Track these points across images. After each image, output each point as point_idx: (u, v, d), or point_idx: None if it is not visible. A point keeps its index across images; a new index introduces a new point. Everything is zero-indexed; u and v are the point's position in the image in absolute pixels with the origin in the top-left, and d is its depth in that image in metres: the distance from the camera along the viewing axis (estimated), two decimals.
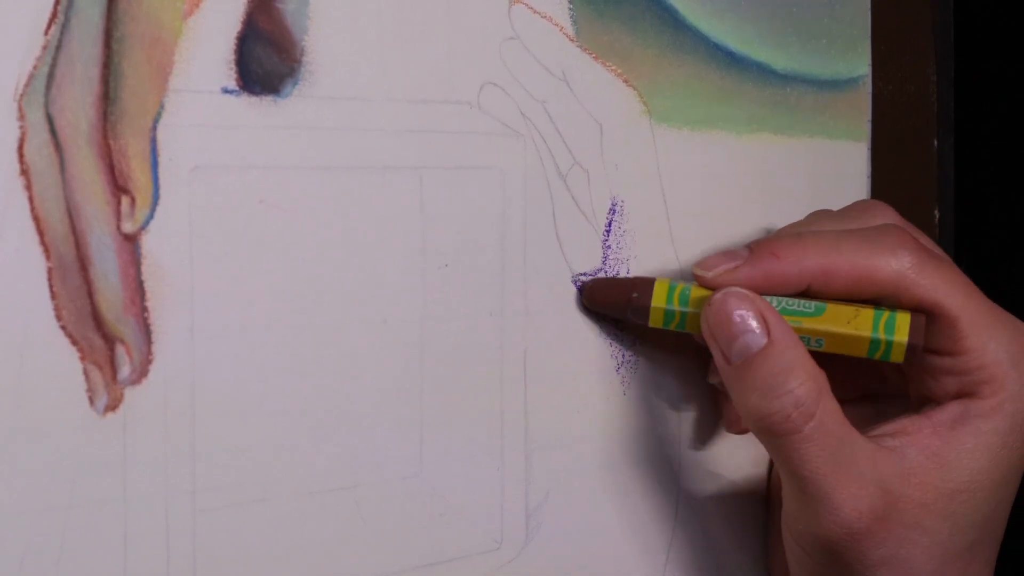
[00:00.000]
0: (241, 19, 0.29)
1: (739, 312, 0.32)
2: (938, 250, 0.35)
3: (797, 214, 0.38)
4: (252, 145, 0.29)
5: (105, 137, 0.27)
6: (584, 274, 0.35)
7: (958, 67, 0.46)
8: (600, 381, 0.36)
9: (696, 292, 0.34)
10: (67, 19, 0.27)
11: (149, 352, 0.28)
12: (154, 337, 0.28)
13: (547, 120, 0.34)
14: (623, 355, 0.36)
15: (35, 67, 0.26)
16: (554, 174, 0.35)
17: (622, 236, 0.36)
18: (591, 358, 0.36)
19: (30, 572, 0.27)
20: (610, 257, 0.36)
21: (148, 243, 0.28)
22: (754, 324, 0.32)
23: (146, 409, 0.28)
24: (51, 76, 0.26)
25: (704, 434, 0.38)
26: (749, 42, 0.39)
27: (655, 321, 0.34)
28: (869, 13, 0.41)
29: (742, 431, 0.37)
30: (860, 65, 0.41)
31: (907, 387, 0.35)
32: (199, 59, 0.28)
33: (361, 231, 0.31)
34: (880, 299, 0.33)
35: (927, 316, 0.33)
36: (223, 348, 0.29)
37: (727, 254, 0.34)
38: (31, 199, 0.26)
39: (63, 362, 0.27)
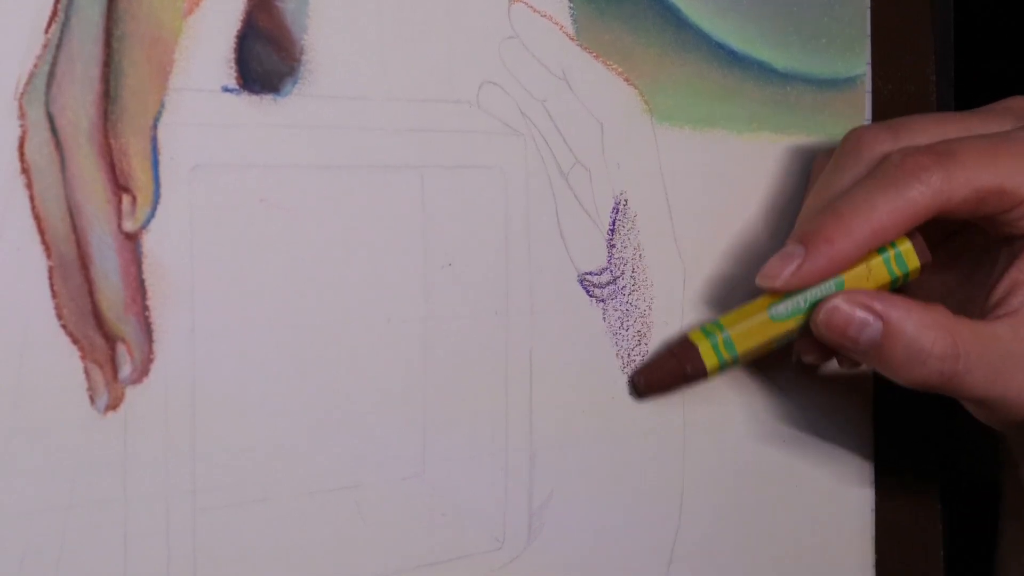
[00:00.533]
0: (241, 18, 0.29)
1: (846, 317, 0.34)
2: (937, 122, 0.36)
3: (797, 212, 0.38)
4: (252, 144, 0.29)
5: (106, 136, 0.27)
6: (590, 273, 0.35)
7: (958, 67, 0.46)
8: (605, 380, 0.36)
9: (735, 333, 0.35)
10: (67, 18, 0.27)
11: (150, 351, 0.28)
12: (155, 336, 0.28)
13: (547, 119, 0.34)
14: (628, 355, 0.36)
15: (35, 66, 0.26)
16: (556, 173, 0.35)
17: (626, 234, 0.36)
18: (596, 357, 0.36)
19: (30, 572, 0.26)
20: (614, 256, 0.36)
21: (149, 242, 0.28)
22: (864, 316, 0.34)
23: (147, 408, 0.28)
24: (51, 75, 0.26)
25: (709, 434, 0.38)
26: (751, 41, 0.39)
27: (712, 375, 0.36)
28: (868, 13, 0.41)
29: (819, 361, 0.38)
30: (858, 64, 0.41)
31: (987, 236, 0.37)
32: (199, 58, 0.28)
33: (362, 230, 0.31)
34: (930, 218, 0.34)
35: (973, 205, 0.34)
36: (224, 347, 0.29)
37: (783, 257, 0.35)
38: (32, 198, 0.26)
39: (64, 361, 0.27)
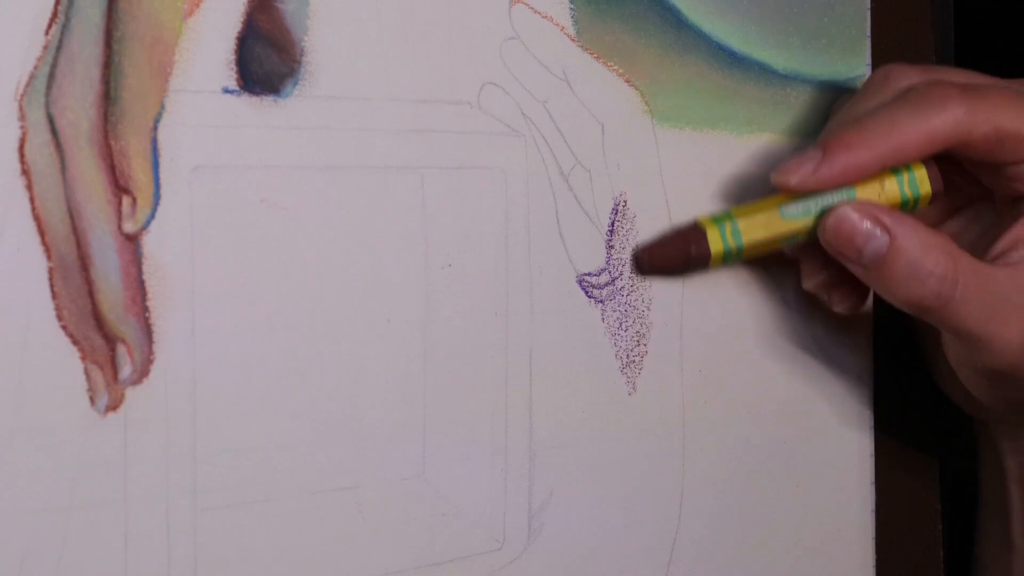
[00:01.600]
0: (241, 19, 0.29)
1: (854, 225, 0.34)
2: (966, 75, 0.37)
3: None
4: (253, 145, 0.29)
5: (106, 137, 0.27)
6: (589, 273, 0.35)
7: (958, 67, 0.46)
8: (605, 381, 0.36)
9: (744, 224, 0.35)
10: (68, 19, 0.27)
11: (150, 352, 0.28)
12: (155, 337, 0.28)
13: (548, 120, 0.34)
14: (628, 355, 0.36)
15: (36, 67, 0.26)
16: (556, 174, 0.35)
17: (625, 235, 0.36)
18: (596, 358, 0.36)
19: (31, 572, 0.26)
20: (613, 257, 0.36)
21: (149, 243, 0.28)
22: (872, 227, 0.34)
23: (147, 409, 0.28)
24: (52, 76, 0.26)
25: (709, 434, 0.38)
26: (751, 42, 0.39)
27: (715, 265, 0.36)
28: (868, 13, 0.41)
29: (818, 288, 0.38)
30: (858, 65, 0.41)
31: (991, 192, 0.38)
32: (199, 59, 0.28)
33: (363, 231, 0.31)
34: (947, 151, 0.35)
35: (992, 144, 0.35)
36: (224, 348, 0.29)
37: (801, 158, 0.35)
38: (32, 199, 0.26)
39: (64, 362, 0.27)
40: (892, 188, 0.35)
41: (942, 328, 0.35)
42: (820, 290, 0.38)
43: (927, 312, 0.35)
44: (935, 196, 0.36)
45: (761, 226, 0.35)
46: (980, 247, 0.36)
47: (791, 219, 0.35)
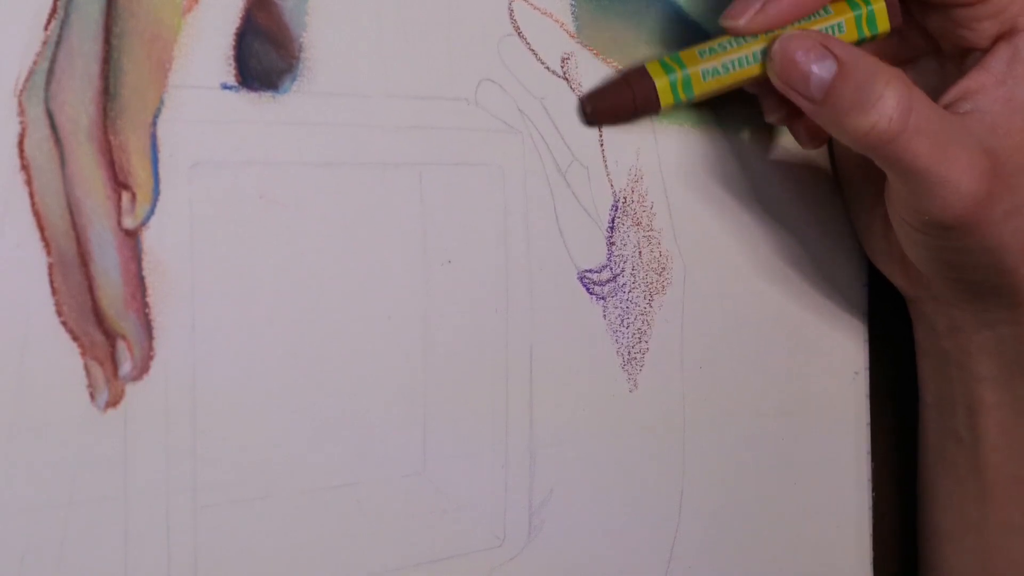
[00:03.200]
0: (240, 15, 0.29)
1: (799, 52, 0.33)
2: None
3: (797, 211, 0.38)
4: (251, 141, 0.29)
5: (105, 133, 0.27)
6: (590, 270, 0.35)
7: None
8: (606, 378, 0.36)
9: (685, 54, 0.34)
10: (67, 15, 0.27)
11: (150, 348, 0.28)
12: (155, 333, 0.28)
13: (545, 117, 0.34)
14: (629, 351, 0.36)
15: (35, 63, 0.26)
16: (554, 171, 0.35)
17: (625, 232, 0.36)
18: (597, 355, 0.36)
19: (31, 569, 0.26)
20: (614, 253, 0.36)
21: (149, 239, 0.28)
22: (819, 55, 0.33)
23: (147, 405, 0.28)
24: (51, 72, 0.26)
25: (709, 431, 0.38)
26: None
27: (665, 100, 0.34)
28: None
29: (782, 121, 0.37)
30: None
31: (937, 46, 0.37)
32: (198, 55, 0.28)
33: (362, 227, 0.31)
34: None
35: None
36: (224, 344, 0.29)
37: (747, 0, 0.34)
38: (31, 195, 0.26)
39: (64, 358, 0.27)
40: (850, 27, 0.34)
41: (891, 167, 0.34)
42: (784, 123, 0.37)
43: (880, 144, 0.33)
44: (892, 12, 0.35)
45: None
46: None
47: (737, 47, 0.34)
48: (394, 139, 0.32)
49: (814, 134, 0.37)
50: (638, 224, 0.36)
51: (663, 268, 0.37)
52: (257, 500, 0.30)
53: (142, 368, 0.28)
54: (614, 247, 0.36)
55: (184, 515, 0.28)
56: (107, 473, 0.27)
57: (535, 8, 0.34)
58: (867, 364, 0.42)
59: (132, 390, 0.28)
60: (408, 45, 0.32)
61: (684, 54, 0.34)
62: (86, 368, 0.27)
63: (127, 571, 0.28)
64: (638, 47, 0.36)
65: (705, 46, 0.34)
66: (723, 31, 0.34)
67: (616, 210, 0.36)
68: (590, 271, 0.35)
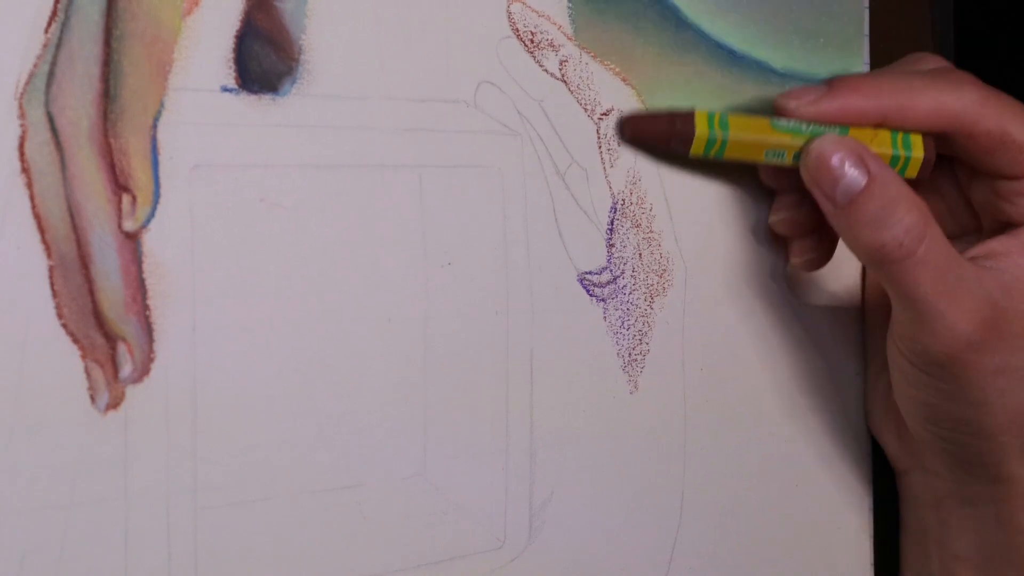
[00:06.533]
0: (240, 18, 0.29)
1: (837, 156, 0.34)
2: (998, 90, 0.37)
3: None
4: (251, 143, 0.29)
5: (105, 135, 0.27)
6: (590, 272, 0.35)
7: (958, 67, 0.46)
8: (606, 379, 0.36)
9: (734, 118, 0.35)
10: (67, 17, 0.27)
11: (151, 350, 0.28)
12: (156, 335, 0.28)
13: (544, 119, 0.34)
14: (630, 353, 0.36)
15: (35, 65, 0.26)
16: (552, 173, 0.35)
17: (624, 234, 0.36)
18: (597, 356, 0.36)
19: (31, 570, 0.26)
20: (614, 255, 0.36)
21: (149, 241, 0.28)
22: (853, 165, 0.34)
23: (148, 407, 0.28)
24: (51, 74, 0.27)
25: (710, 433, 0.38)
26: (750, 41, 0.39)
27: (696, 149, 0.35)
28: (865, 13, 0.41)
29: (784, 227, 0.38)
30: (856, 64, 0.41)
31: (979, 224, 0.38)
32: (198, 57, 0.29)
33: (362, 229, 0.31)
34: (949, 133, 0.35)
35: (995, 143, 0.35)
36: (225, 346, 0.29)
37: (808, 88, 0.36)
38: (32, 197, 0.26)
39: (64, 360, 0.27)
40: (884, 139, 0.35)
41: (895, 289, 0.34)
42: (785, 228, 0.38)
43: (886, 263, 0.34)
44: (926, 166, 0.36)
45: (750, 126, 0.35)
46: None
47: (780, 130, 0.35)
48: (394, 141, 0.32)
49: (808, 260, 0.38)
50: (637, 226, 0.36)
51: (664, 270, 0.37)
52: (257, 502, 0.30)
53: (142, 370, 0.28)
54: (613, 249, 0.36)
55: (184, 517, 0.29)
56: (107, 475, 0.27)
57: (533, 10, 0.34)
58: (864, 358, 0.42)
59: (132, 392, 0.28)
60: (407, 47, 0.32)
61: (733, 118, 0.35)
62: (86, 370, 0.27)
63: (127, 573, 0.28)
64: (635, 49, 0.36)
65: (754, 120, 0.36)
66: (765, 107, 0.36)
67: (615, 212, 0.36)
68: (590, 273, 0.35)
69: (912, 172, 0.36)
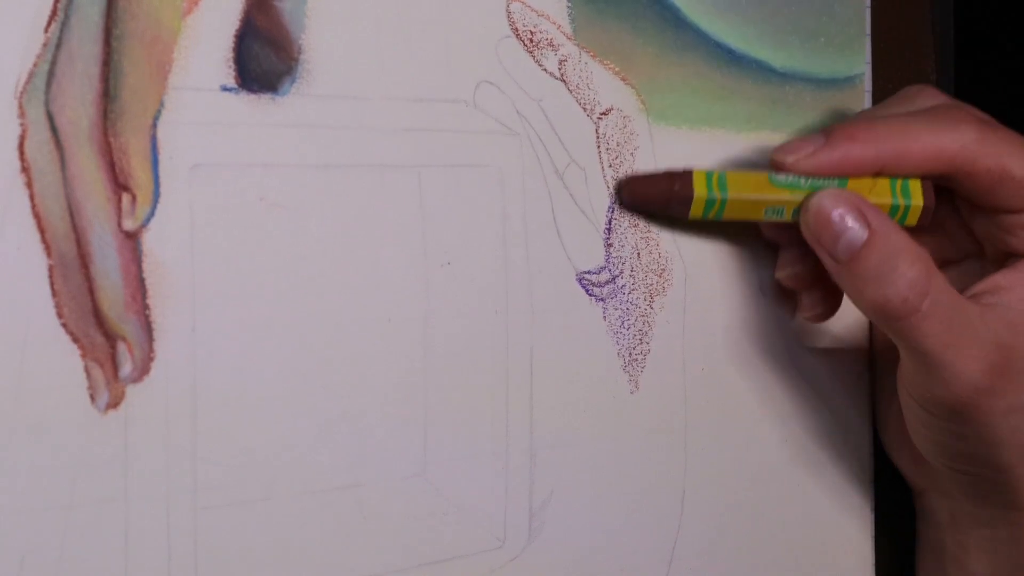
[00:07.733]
0: (239, 17, 0.29)
1: (837, 211, 0.34)
2: (996, 123, 0.37)
3: None
4: (251, 143, 0.29)
5: (105, 135, 0.27)
6: (589, 272, 0.35)
7: (958, 67, 0.46)
8: (607, 379, 0.36)
9: (732, 177, 0.35)
10: (67, 17, 0.27)
11: (151, 350, 0.28)
12: (155, 335, 0.28)
13: (543, 118, 0.34)
14: (630, 353, 0.36)
15: (35, 65, 0.26)
16: (551, 172, 0.35)
17: (623, 234, 0.36)
18: (597, 356, 0.36)
19: (31, 570, 0.26)
20: (612, 255, 0.36)
21: (149, 241, 0.28)
22: (854, 220, 0.33)
23: (148, 407, 0.28)
24: (51, 74, 0.27)
25: (710, 434, 0.38)
26: (749, 40, 0.39)
27: (696, 211, 0.35)
28: (867, 12, 0.41)
29: (792, 281, 0.38)
30: (858, 64, 0.41)
31: (981, 249, 0.37)
32: (198, 57, 0.29)
33: (362, 229, 0.31)
34: (948, 174, 0.35)
35: (994, 181, 0.35)
36: (225, 346, 0.29)
37: (804, 139, 0.35)
38: (32, 197, 0.26)
39: (64, 360, 0.27)
40: (883, 189, 0.35)
41: (902, 342, 0.34)
42: (791, 283, 0.37)
43: (891, 319, 0.33)
44: (926, 213, 0.35)
45: (749, 184, 0.35)
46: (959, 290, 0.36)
47: (779, 187, 0.35)
48: (393, 141, 0.32)
49: (817, 312, 0.38)
50: (635, 226, 0.36)
51: (663, 269, 0.37)
52: (257, 501, 0.30)
53: (142, 370, 0.28)
54: (612, 248, 0.36)
55: (184, 516, 0.29)
56: (107, 474, 0.27)
57: (532, 10, 0.34)
58: (870, 365, 0.42)
59: (132, 391, 0.28)
60: (407, 47, 0.32)
61: (731, 176, 0.35)
62: (86, 370, 0.27)
63: (127, 573, 0.28)
64: (635, 48, 0.36)
65: (753, 176, 0.35)
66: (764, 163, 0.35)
67: (613, 212, 0.36)
68: (589, 272, 0.35)
69: (912, 220, 0.35)
